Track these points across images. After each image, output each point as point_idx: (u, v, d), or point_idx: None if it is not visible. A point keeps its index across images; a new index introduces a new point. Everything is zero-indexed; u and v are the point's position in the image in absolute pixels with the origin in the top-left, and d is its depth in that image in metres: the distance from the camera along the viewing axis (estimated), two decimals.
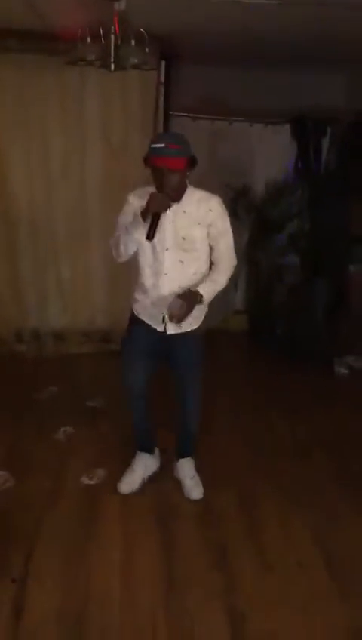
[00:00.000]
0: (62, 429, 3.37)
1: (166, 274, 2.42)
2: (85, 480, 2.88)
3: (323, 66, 4.72)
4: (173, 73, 4.35)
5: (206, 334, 2.64)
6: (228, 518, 2.65)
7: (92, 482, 2.86)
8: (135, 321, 2.61)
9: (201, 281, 2.46)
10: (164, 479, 2.92)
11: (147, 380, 2.67)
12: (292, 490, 2.88)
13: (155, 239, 2.31)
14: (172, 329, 2.51)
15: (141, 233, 2.31)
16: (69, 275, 4.62)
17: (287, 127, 5.02)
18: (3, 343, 4.61)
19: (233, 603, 2.15)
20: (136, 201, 2.39)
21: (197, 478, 2.85)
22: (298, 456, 3.23)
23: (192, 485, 2.81)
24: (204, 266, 2.49)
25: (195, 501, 2.75)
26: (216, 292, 2.45)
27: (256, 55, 4.33)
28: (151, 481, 2.88)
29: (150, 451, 2.91)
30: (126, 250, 2.41)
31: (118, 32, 3.00)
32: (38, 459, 3.07)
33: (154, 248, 2.40)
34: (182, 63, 4.38)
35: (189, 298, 2.36)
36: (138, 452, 2.89)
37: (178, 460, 2.89)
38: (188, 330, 2.55)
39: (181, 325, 2.48)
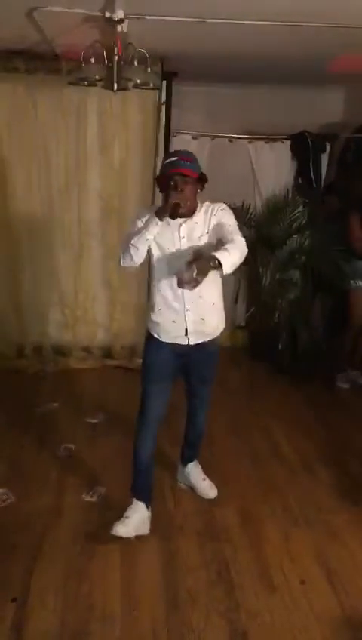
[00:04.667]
0: (63, 445, 3.36)
1: None
2: (86, 497, 2.87)
3: (322, 82, 4.78)
4: (174, 92, 4.40)
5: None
6: (231, 535, 2.63)
7: (93, 499, 2.86)
8: (154, 344, 2.55)
9: (219, 291, 2.52)
10: (163, 497, 2.91)
11: (166, 406, 2.63)
12: (295, 506, 2.87)
13: (171, 252, 2.38)
14: (195, 339, 2.50)
15: (154, 233, 2.34)
16: (70, 291, 4.64)
17: (287, 143, 5.07)
18: (4, 358, 4.61)
19: (235, 621, 2.13)
20: (148, 215, 2.40)
21: (208, 480, 2.95)
22: (300, 471, 3.22)
23: (207, 486, 2.93)
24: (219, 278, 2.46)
25: (197, 518, 2.74)
26: (234, 264, 2.19)
27: (256, 73, 4.38)
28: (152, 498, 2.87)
29: (147, 502, 2.63)
30: (137, 251, 2.35)
31: (120, 53, 3.06)
32: (38, 475, 3.06)
33: (170, 262, 2.40)
34: (183, 82, 4.44)
35: (202, 260, 2.15)
36: (134, 501, 2.60)
37: (186, 465, 2.97)
38: (210, 339, 2.55)
39: (204, 331, 2.49)
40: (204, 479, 2.95)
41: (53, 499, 2.86)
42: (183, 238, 2.39)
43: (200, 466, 3.00)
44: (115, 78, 3.12)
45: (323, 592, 2.30)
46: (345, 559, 2.49)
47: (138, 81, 3.15)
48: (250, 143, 5.04)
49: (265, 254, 4.79)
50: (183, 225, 2.38)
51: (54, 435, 3.50)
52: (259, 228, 4.82)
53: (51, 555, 2.45)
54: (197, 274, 2.09)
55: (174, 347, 2.52)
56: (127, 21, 2.85)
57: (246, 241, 2.31)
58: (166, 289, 2.44)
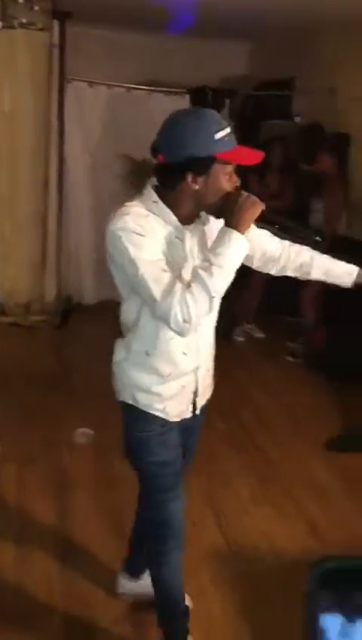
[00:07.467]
0: None
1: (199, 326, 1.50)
2: None
3: (226, 35, 4.71)
4: (68, 34, 4.16)
5: None
6: (126, 485, 2.68)
7: None
8: (160, 430, 1.64)
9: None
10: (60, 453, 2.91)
11: None
12: None
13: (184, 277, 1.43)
14: (201, 402, 1.74)
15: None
16: None
17: (187, 97, 5.01)
18: None
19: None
20: (157, 229, 1.45)
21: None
22: None
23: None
24: None
25: (94, 470, 2.74)
26: None
27: (158, 19, 4.21)
28: None
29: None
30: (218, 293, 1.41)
31: None
32: None
33: None
34: (79, 23, 4.20)
35: None
36: None
37: (140, 575, 2.06)
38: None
39: (209, 385, 1.79)
40: None
41: None
42: (201, 252, 1.52)
43: None
44: None
45: (211, 531, 2.44)
46: (232, 501, 2.65)
47: (24, 20, 2.96)
48: (149, 94, 4.92)
49: None
50: (191, 233, 1.51)
51: None
52: None
53: None
54: None
55: (179, 425, 1.70)
56: None
57: None
58: (179, 339, 1.48)
